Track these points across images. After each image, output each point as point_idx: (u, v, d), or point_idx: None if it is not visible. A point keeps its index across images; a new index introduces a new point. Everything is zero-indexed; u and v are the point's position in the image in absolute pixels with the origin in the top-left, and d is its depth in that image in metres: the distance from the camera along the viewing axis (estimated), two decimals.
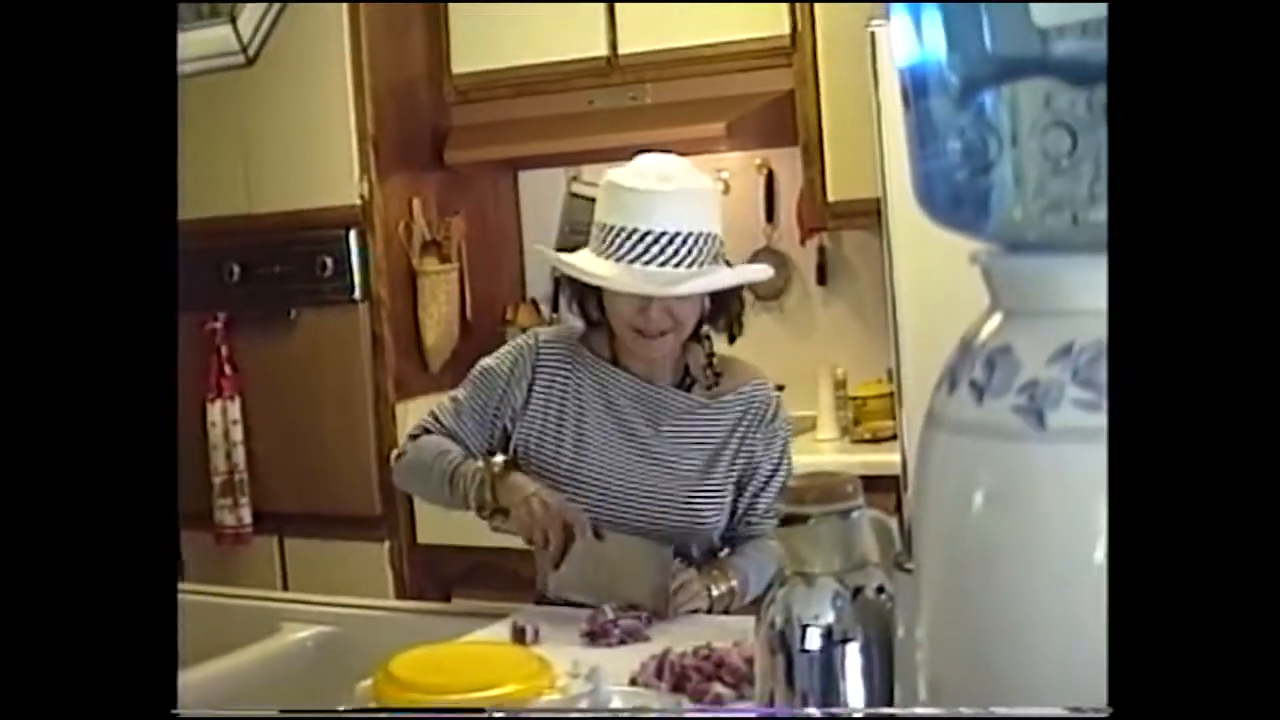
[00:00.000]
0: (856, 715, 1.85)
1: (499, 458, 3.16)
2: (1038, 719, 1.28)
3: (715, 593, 3.08)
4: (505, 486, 3.09)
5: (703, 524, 3.21)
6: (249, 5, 4.50)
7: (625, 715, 2.44)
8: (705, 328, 3.25)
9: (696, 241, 3.04)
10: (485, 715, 2.38)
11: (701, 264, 3.06)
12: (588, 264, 3.12)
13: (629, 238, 3.04)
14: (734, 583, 3.11)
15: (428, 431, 3.27)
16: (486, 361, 3.33)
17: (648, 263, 3.03)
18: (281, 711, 2.63)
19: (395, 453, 3.37)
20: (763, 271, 3.45)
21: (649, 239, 3.03)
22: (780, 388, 5.19)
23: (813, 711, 1.86)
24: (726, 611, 3.06)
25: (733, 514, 3.26)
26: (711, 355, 3.29)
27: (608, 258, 3.07)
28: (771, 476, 3.26)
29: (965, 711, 1.33)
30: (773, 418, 3.30)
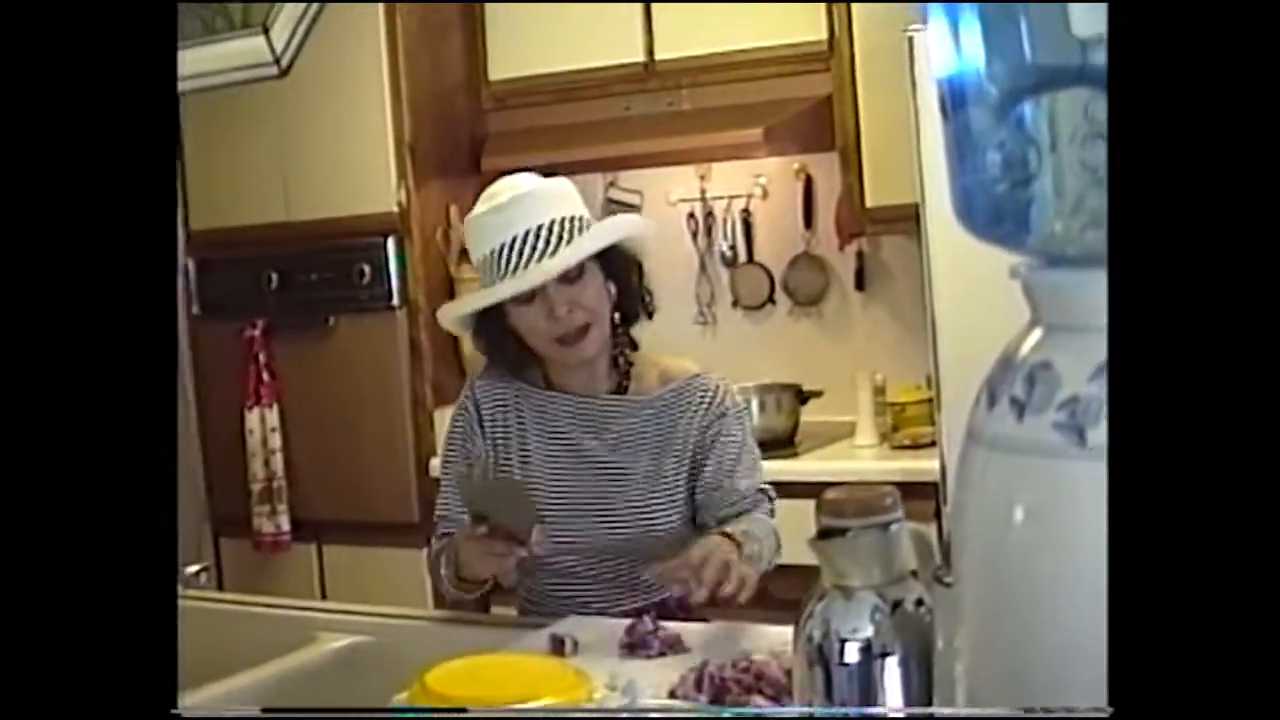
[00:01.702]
0: (845, 713, 1.84)
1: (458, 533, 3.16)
2: (1037, 719, 1.27)
3: (746, 551, 3.01)
4: (457, 551, 3.12)
5: (655, 526, 3.20)
6: (282, 16, 4.50)
7: (624, 715, 2.44)
8: (616, 315, 3.25)
9: (554, 227, 3.09)
10: (470, 715, 2.37)
11: (571, 243, 3.11)
12: (476, 299, 3.20)
13: (496, 257, 3.09)
14: (755, 546, 3.05)
15: (439, 527, 3.32)
16: (445, 434, 3.40)
17: (520, 267, 3.08)
18: (285, 711, 2.62)
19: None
20: (638, 222, 3.44)
21: (511, 246, 3.08)
22: (819, 393, 5.24)
23: (793, 711, 1.85)
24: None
25: (695, 510, 3.24)
26: (624, 350, 3.31)
27: (492, 283, 3.13)
28: (739, 458, 3.25)
29: (954, 711, 1.33)
30: (720, 402, 3.28)
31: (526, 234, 3.07)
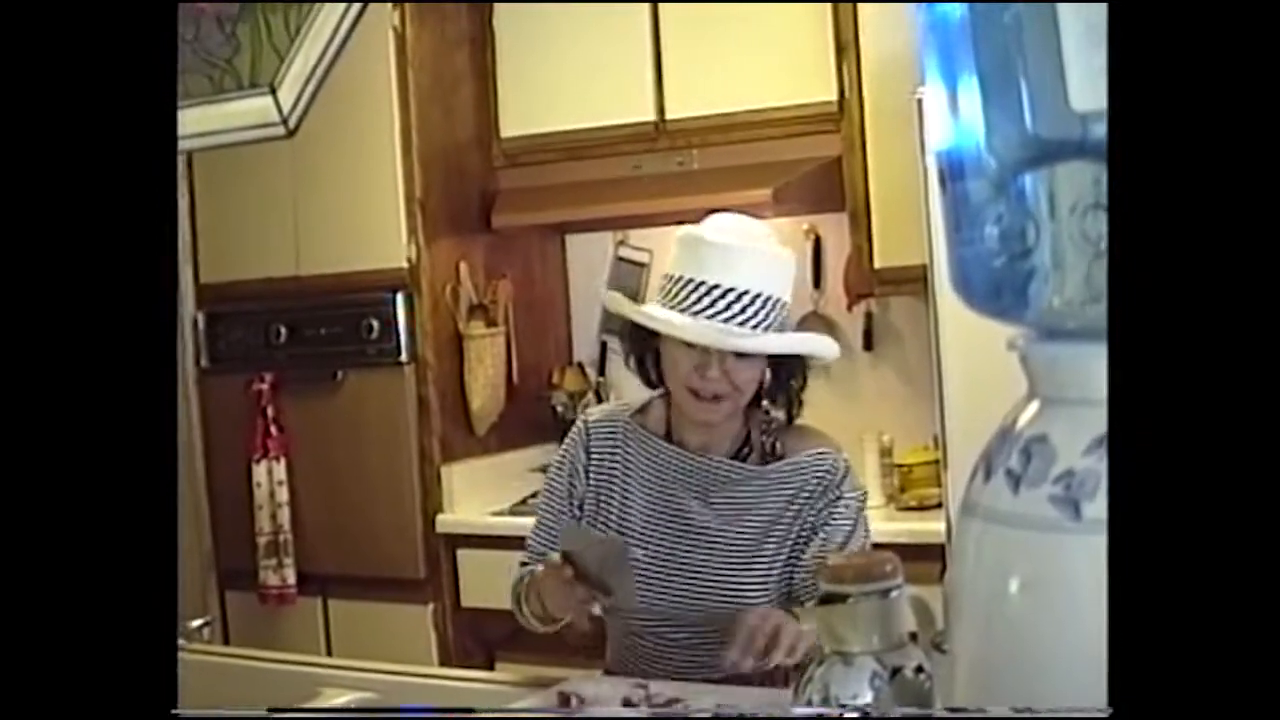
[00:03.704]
0: (853, 716, 1.84)
1: (539, 567, 3.08)
2: (1038, 719, 1.27)
3: (806, 627, 2.86)
4: (541, 587, 3.07)
5: (744, 602, 3.05)
6: (290, 76, 4.52)
7: (624, 715, 2.43)
8: (764, 402, 3.15)
9: (766, 304, 2.99)
10: (482, 715, 2.36)
11: (767, 329, 3.00)
12: (657, 313, 3.05)
13: (699, 290, 2.98)
14: None
15: (526, 555, 3.25)
16: (551, 463, 3.30)
17: (713, 317, 2.97)
18: (281, 711, 2.61)
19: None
20: (831, 347, 3.22)
21: (717, 293, 2.97)
22: None
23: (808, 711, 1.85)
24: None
25: (790, 587, 3.10)
26: (770, 423, 3.18)
27: (677, 309, 3.01)
28: (845, 545, 3.10)
29: (966, 713, 1.33)
30: (837, 485, 3.14)
31: (729, 291, 2.97)
